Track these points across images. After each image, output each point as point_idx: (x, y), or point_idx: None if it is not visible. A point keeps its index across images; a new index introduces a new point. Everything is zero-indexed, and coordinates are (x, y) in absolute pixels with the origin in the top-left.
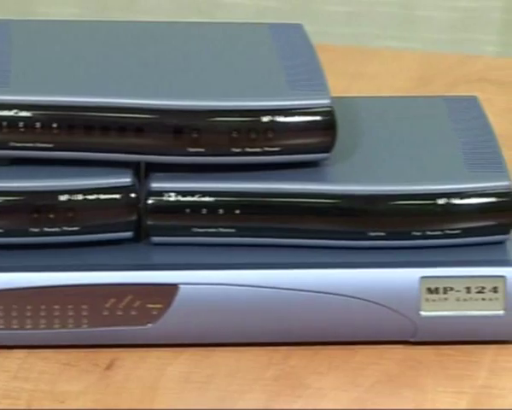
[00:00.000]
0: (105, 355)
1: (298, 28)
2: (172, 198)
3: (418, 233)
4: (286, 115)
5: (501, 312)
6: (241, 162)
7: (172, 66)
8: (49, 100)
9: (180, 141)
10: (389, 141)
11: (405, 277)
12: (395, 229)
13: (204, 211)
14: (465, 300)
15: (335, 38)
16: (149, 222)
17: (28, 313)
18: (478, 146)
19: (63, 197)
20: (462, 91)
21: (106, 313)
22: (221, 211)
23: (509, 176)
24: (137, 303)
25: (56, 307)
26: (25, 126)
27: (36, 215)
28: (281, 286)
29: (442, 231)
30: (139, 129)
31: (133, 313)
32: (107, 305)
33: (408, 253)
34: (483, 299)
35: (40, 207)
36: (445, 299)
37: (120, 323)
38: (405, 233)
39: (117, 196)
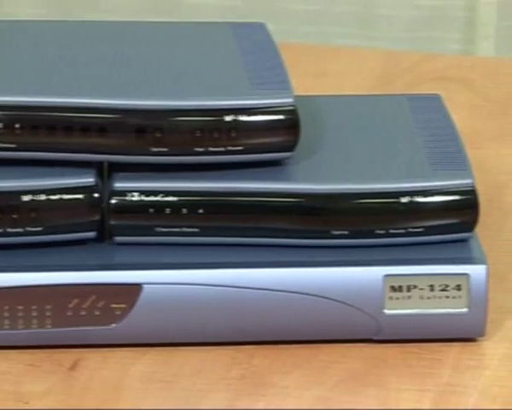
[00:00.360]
0: (69, 356)
1: (260, 27)
2: (136, 198)
3: (382, 231)
4: (249, 114)
5: (464, 310)
6: (204, 162)
7: (135, 65)
8: (12, 100)
9: (143, 141)
10: (352, 139)
11: (369, 275)
12: (358, 227)
13: (167, 211)
14: (429, 298)
15: (298, 37)
16: (113, 222)
17: None
18: (441, 144)
19: (26, 198)
20: (424, 90)
21: (69, 313)
22: (184, 210)
23: (473, 174)
24: (101, 303)
25: (20, 307)
26: None
27: None
28: (244, 285)
29: (405, 229)
30: (102, 129)
31: (97, 313)
32: (71, 305)
33: (371, 251)
34: (446, 297)
35: (3, 207)
36: (409, 297)
37: (84, 323)
38: (369, 232)
39: (80, 196)
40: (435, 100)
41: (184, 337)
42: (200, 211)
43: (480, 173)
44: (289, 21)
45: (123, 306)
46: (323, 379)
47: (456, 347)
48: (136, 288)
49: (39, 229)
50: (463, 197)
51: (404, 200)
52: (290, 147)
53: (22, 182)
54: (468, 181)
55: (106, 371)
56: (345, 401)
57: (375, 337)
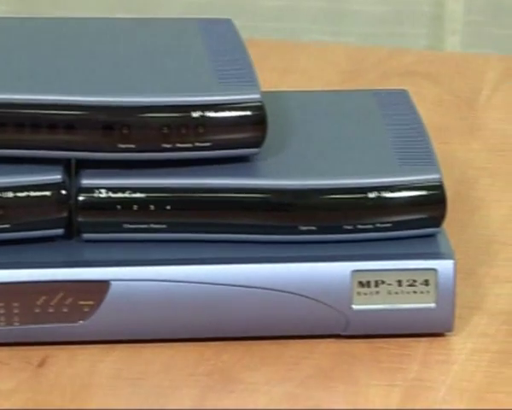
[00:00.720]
0: (37, 353)
1: (227, 23)
2: (103, 195)
3: (349, 227)
4: (216, 110)
5: (432, 305)
6: (171, 158)
7: (102, 62)
8: None
9: (110, 137)
10: (320, 135)
11: (337, 271)
12: (326, 223)
13: (135, 207)
14: (396, 293)
15: (265, 33)
16: (80, 219)
17: None
18: (408, 139)
19: None
20: (392, 85)
21: (37, 310)
22: (152, 207)
23: (440, 169)
24: (69, 300)
25: None
26: None
27: None
28: (212, 281)
29: (373, 224)
30: (69, 126)
31: (65, 310)
32: (39, 302)
33: (339, 247)
34: (414, 292)
35: None
36: (377, 292)
37: (52, 320)
38: (337, 227)
39: (47, 193)
40: (402, 95)
41: (152, 334)
42: (168, 207)
43: (448, 168)
44: (256, 17)
45: (91, 303)
46: (292, 375)
47: (424, 342)
48: (103, 285)
49: (6, 226)
50: (431, 192)
51: (372, 195)
52: (257, 143)
53: None
54: (436, 176)
55: (74, 368)
56: (313, 397)
57: (343, 333)
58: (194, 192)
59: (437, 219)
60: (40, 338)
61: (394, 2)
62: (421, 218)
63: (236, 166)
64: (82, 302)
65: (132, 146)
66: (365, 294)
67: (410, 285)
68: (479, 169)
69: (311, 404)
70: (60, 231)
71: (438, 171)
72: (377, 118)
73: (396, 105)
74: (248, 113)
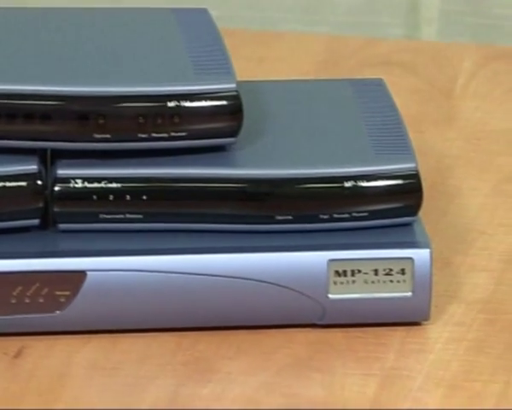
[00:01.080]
0: (13, 343)
1: (203, 13)
2: (79, 185)
3: (326, 216)
4: (192, 100)
5: (409, 294)
6: (147, 148)
7: (77, 52)
8: None
9: (86, 127)
10: (296, 124)
11: (313, 260)
12: (302, 212)
13: (111, 197)
14: (373, 282)
15: (241, 23)
16: (56, 209)
17: None
18: (384, 128)
19: None
20: (368, 74)
21: (13, 300)
22: (128, 197)
23: (416, 158)
24: (45, 291)
25: None
26: None
27: None
28: (188, 271)
29: (349, 213)
30: (45, 116)
31: (41, 300)
32: (15, 293)
33: (316, 236)
34: (391, 281)
35: None
36: (353, 282)
37: (28, 311)
38: (313, 216)
39: (23, 183)
40: (378, 84)
41: (129, 324)
42: (144, 197)
43: (424, 157)
44: (232, 7)
45: (67, 293)
46: (268, 365)
47: (400, 331)
48: (80, 275)
49: None
50: (407, 181)
51: (348, 184)
52: (233, 132)
53: None
54: (412, 165)
55: (50, 358)
56: (290, 386)
57: (319, 322)
58: (170, 182)
59: (413, 208)
60: (16, 329)
61: None
62: (397, 207)
63: (212, 155)
64: (58, 293)
65: (108, 136)
66: (342, 283)
67: (387, 274)
68: (455, 158)
69: (288, 393)
70: (35, 222)
71: (414, 160)
72: (353, 107)
73: (372, 94)
74: (224, 102)
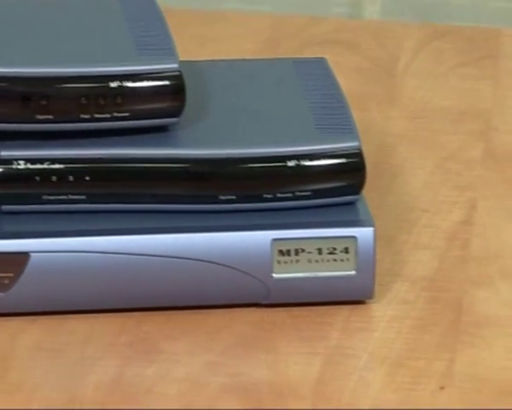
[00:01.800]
0: None
1: None
2: (22, 166)
3: (269, 196)
4: (134, 80)
5: (352, 272)
6: (90, 128)
7: (19, 33)
8: None
9: (28, 108)
10: (239, 104)
11: (257, 239)
12: (246, 192)
13: (54, 178)
14: (317, 261)
15: (183, 2)
16: None
17: None
18: (327, 107)
19: None
20: (311, 53)
21: None
22: (71, 178)
23: (359, 136)
24: None
25: None
26: None
27: None
28: (132, 252)
29: (293, 193)
30: None
31: None
32: None
33: (259, 215)
34: (334, 260)
35: None
36: (297, 261)
37: None
38: (256, 196)
39: None
40: (321, 63)
41: (73, 305)
42: (87, 178)
43: (367, 136)
44: None
45: (10, 275)
46: (213, 345)
47: (345, 310)
48: (23, 256)
49: None
50: (350, 160)
51: (291, 164)
52: (176, 112)
53: None
54: (355, 144)
55: None
56: (234, 366)
57: (263, 302)
58: (112, 162)
59: (356, 187)
60: None
61: None
62: (340, 185)
63: (155, 136)
64: (1, 274)
65: (51, 117)
66: (285, 262)
67: (330, 253)
68: (397, 136)
69: (233, 373)
70: None
71: (357, 138)
72: (296, 86)
73: (315, 73)
74: (166, 82)
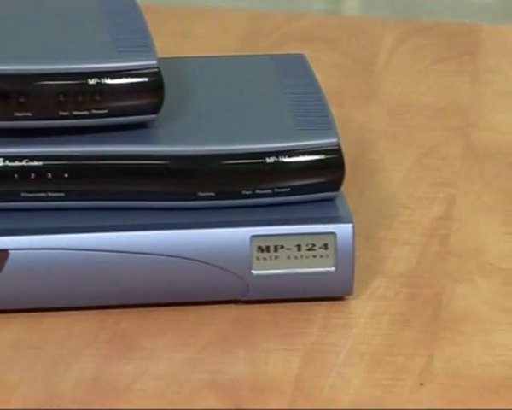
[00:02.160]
0: None
1: None
2: (0, 164)
3: (248, 192)
4: (112, 77)
5: (332, 268)
6: (68, 126)
7: None
8: None
9: (7, 106)
10: (218, 101)
11: (236, 236)
12: (225, 188)
13: (32, 176)
14: (296, 257)
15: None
16: None
17: None
18: (306, 104)
19: None
20: (290, 50)
21: None
22: (50, 175)
23: (338, 133)
24: None
25: None
26: None
27: None
28: (111, 249)
29: (272, 189)
30: None
31: None
32: None
33: (238, 212)
34: (314, 256)
35: None
36: (276, 257)
37: None
38: (235, 192)
39: None
40: (300, 59)
41: (52, 303)
42: (66, 175)
43: (346, 132)
44: None
45: None
46: (192, 341)
47: (324, 306)
48: (2, 254)
49: None
50: (329, 156)
51: (270, 160)
52: (154, 109)
53: None
54: (334, 140)
55: None
56: (214, 363)
57: (243, 298)
58: (91, 160)
59: (335, 183)
60: None
61: None
62: (319, 182)
63: (134, 132)
64: None
65: (29, 114)
66: (265, 259)
67: (310, 249)
68: (376, 132)
69: (212, 369)
70: None
71: (336, 135)
72: (275, 83)
73: (293, 70)
74: (145, 79)
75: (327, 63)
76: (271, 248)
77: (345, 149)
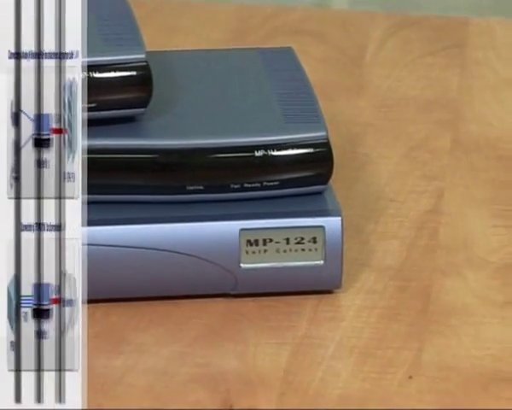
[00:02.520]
0: None
1: None
2: None
3: (237, 186)
4: (100, 71)
5: (320, 262)
6: None
7: None
8: None
9: None
10: (206, 94)
11: (225, 230)
12: (213, 182)
13: None
14: (285, 251)
15: None
16: None
17: None
18: (294, 97)
19: None
20: (278, 43)
21: None
22: None
23: (326, 126)
24: None
25: None
26: None
27: None
28: (99, 243)
29: (261, 183)
30: None
31: None
32: None
33: (227, 206)
34: (302, 250)
35: None
36: (265, 251)
37: None
38: (224, 186)
39: None
40: (288, 53)
41: None
42: None
43: (334, 126)
44: None
45: None
46: (181, 335)
47: (313, 299)
48: None
49: None
50: (317, 150)
51: (259, 153)
52: (143, 103)
53: None
54: (322, 134)
55: None
56: (203, 356)
57: (232, 292)
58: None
59: (324, 177)
60: None
61: None
62: (308, 175)
63: (122, 126)
64: None
65: None
66: (253, 252)
67: (298, 243)
68: (365, 126)
69: (201, 363)
70: None
71: (324, 128)
72: (263, 76)
73: (281, 63)
74: (133, 73)
75: (315, 56)
76: (260, 242)
77: (333, 143)
